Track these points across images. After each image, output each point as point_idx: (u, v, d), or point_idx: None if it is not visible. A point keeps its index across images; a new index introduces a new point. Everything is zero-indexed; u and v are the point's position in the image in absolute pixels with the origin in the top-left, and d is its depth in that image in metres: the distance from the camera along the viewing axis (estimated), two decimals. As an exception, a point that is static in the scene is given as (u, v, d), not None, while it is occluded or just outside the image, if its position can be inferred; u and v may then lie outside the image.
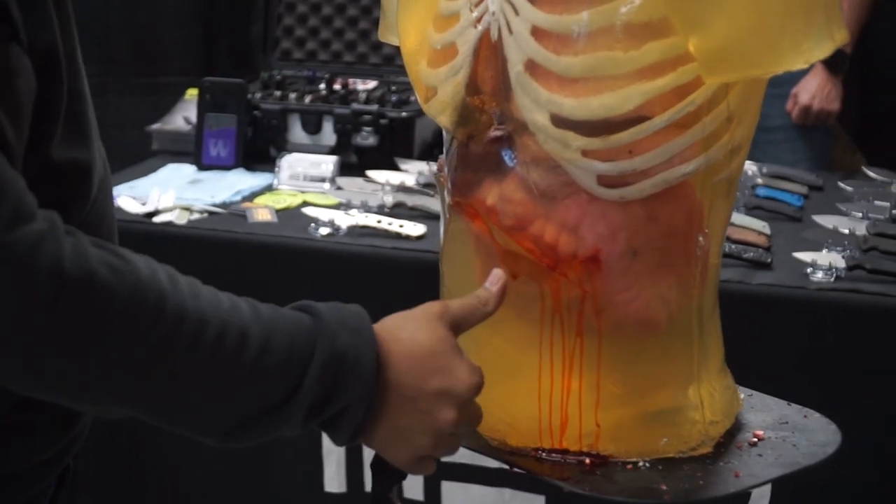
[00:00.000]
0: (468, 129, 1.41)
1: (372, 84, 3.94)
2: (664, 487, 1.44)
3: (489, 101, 1.38)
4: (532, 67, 1.31)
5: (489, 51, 1.36)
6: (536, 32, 1.30)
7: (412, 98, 3.35)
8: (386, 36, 1.60)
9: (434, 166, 2.52)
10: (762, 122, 3.42)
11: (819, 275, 2.42)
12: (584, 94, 1.26)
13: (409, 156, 3.39)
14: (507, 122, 1.35)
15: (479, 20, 1.37)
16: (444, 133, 1.49)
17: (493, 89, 1.37)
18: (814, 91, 3.48)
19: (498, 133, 1.36)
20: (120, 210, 2.82)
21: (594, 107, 1.28)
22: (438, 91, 1.44)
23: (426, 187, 3.01)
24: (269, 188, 3.23)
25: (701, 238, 1.40)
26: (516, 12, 1.31)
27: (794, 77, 3.40)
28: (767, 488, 2.41)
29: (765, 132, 3.42)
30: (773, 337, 2.27)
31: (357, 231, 2.64)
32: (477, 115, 1.38)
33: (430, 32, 1.45)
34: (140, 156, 3.71)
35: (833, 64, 3.47)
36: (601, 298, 1.39)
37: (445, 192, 1.45)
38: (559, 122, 1.30)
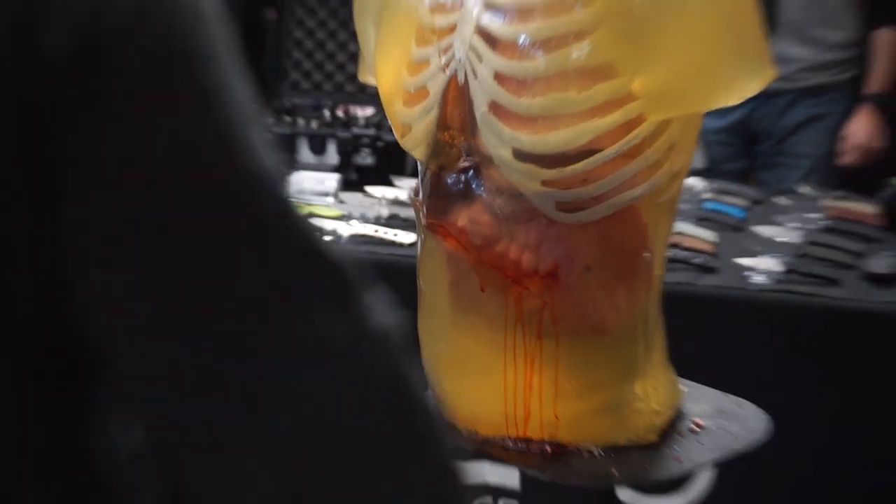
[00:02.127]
0: (439, 161, 1.41)
1: (370, 111, 4.17)
2: (615, 472, 1.46)
3: (458, 137, 1.38)
4: (495, 108, 1.31)
5: (457, 92, 1.36)
6: (499, 77, 1.30)
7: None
8: (365, 77, 1.61)
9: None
10: (791, 149, 3.40)
11: (758, 278, 2.41)
12: (543, 131, 1.27)
13: (403, 174, 3.34)
14: (474, 155, 1.35)
15: (447, 66, 1.37)
16: (418, 164, 1.49)
17: (461, 126, 1.37)
18: (861, 134, 3.39)
19: (466, 164, 1.37)
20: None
21: (551, 142, 1.28)
22: (413, 128, 1.44)
23: (416, 201, 3.01)
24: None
25: (646, 254, 1.41)
26: (480, 59, 1.31)
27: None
28: (708, 471, 2.41)
29: (801, 159, 3.43)
30: (716, 333, 2.26)
31: (357, 239, 2.64)
32: (447, 149, 1.38)
33: (404, 76, 1.45)
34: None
35: (882, 103, 3.39)
36: (558, 308, 1.39)
37: (420, 215, 1.45)
38: (521, 156, 1.31)
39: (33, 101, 0.64)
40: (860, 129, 3.38)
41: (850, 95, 3.42)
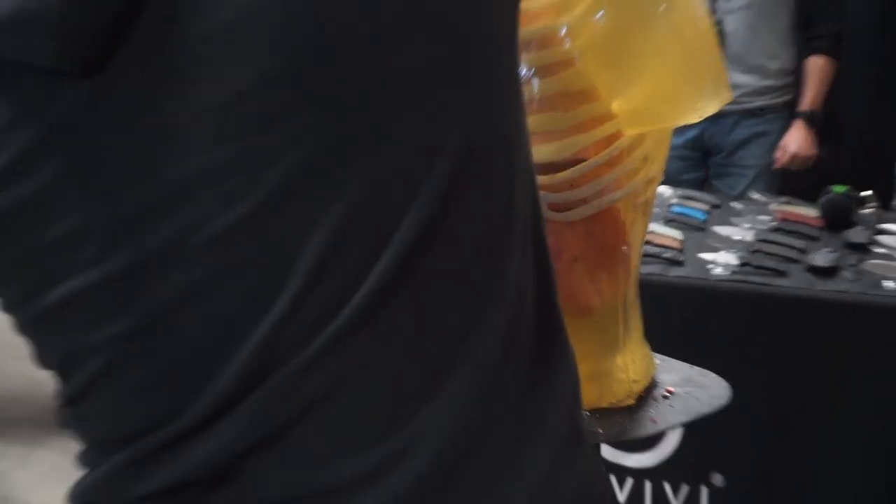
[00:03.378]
0: None
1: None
2: (600, 430, 1.48)
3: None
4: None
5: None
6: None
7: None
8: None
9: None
10: (738, 161, 3.43)
11: (717, 270, 2.46)
12: (537, 143, 1.22)
13: None
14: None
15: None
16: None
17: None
18: (796, 146, 3.45)
19: None
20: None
21: (543, 153, 1.30)
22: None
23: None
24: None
25: (624, 248, 1.43)
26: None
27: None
28: (678, 430, 2.45)
29: (748, 169, 3.48)
30: (683, 316, 2.30)
31: None
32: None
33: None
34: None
35: (811, 119, 3.45)
36: None
37: None
38: None
39: None
40: (793, 141, 3.44)
41: (786, 115, 3.47)
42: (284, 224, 0.74)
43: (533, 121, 1.31)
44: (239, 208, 0.73)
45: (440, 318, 0.79)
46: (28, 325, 0.84)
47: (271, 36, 0.72)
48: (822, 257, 2.49)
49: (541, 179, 1.32)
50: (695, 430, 2.39)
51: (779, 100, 3.47)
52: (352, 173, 0.74)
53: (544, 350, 0.87)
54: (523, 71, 1.30)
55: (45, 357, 0.87)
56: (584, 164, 1.33)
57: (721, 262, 2.51)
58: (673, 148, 3.50)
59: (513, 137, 0.83)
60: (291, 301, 0.75)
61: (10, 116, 0.77)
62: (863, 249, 2.60)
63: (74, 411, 0.87)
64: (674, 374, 1.62)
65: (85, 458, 0.89)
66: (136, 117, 0.74)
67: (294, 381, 0.76)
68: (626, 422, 1.50)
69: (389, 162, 0.75)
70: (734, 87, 3.33)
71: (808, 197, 2.91)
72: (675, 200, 2.89)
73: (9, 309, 0.85)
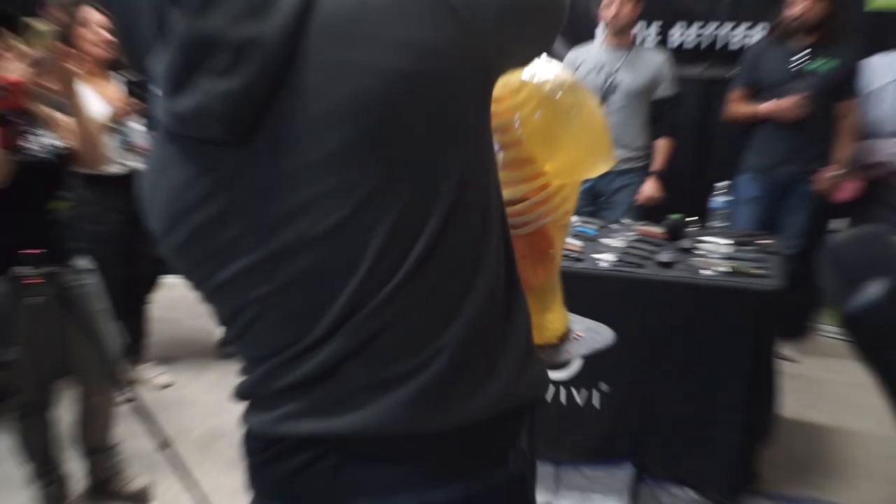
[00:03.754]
0: None
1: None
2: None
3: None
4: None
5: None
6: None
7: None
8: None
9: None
10: (616, 200, 3.42)
11: (603, 264, 2.46)
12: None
13: None
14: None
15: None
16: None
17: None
18: (649, 191, 3.43)
19: None
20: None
21: (505, 195, 1.23)
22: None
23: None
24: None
25: (552, 251, 1.41)
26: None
27: None
28: (580, 360, 2.46)
29: (621, 205, 3.46)
30: (582, 293, 2.30)
31: None
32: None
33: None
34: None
35: (658, 176, 3.43)
36: None
37: None
38: None
39: None
40: (648, 188, 3.46)
41: (644, 173, 3.48)
42: (361, 225, 0.78)
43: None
44: (333, 218, 0.78)
45: (452, 280, 0.82)
46: (209, 294, 0.87)
47: (348, 120, 0.76)
48: (664, 256, 2.50)
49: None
50: (590, 359, 2.42)
51: (639, 164, 3.48)
52: (397, 196, 0.78)
53: (510, 298, 0.90)
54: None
55: (219, 313, 0.89)
56: (528, 201, 1.32)
57: (605, 259, 2.51)
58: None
59: (488, 172, 0.87)
60: (366, 270, 0.79)
61: (197, 170, 0.81)
62: (689, 252, 2.60)
63: (236, 344, 0.90)
64: (580, 324, 1.61)
65: (243, 371, 0.92)
66: (269, 167, 0.78)
67: (370, 316, 0.80)
68: (553, 353, 1.48)
69: (419, 188, 0.79)
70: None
71: (656, 221, 2.92)
72: (578, 223, 2.89)
73: (196, 286, 0.87)
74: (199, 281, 0.85)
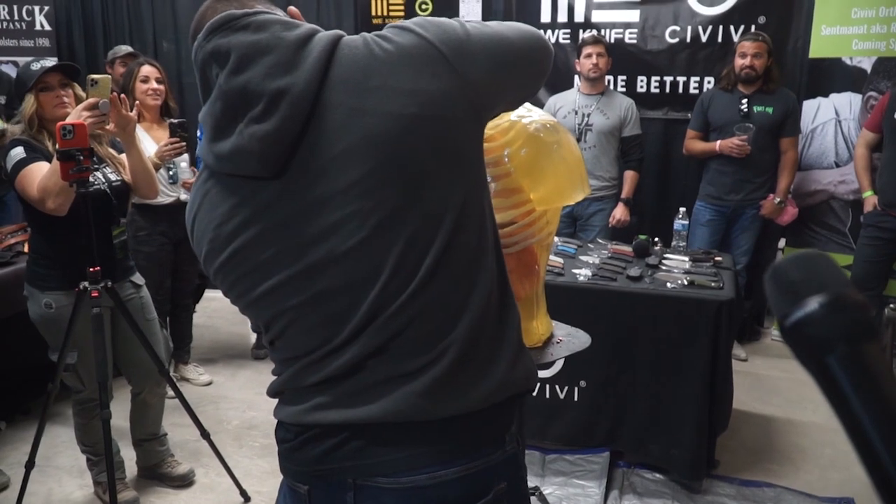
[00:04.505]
0: None
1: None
2: None
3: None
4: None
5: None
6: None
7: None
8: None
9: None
10: (591, 223, 3.40)
11: (581, 278, 2.45)
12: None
13: None
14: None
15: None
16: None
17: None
18: (620, 215, 3.42)
19: None
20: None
21: (497, 219, 1.28)
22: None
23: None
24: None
25: (537, 266, 1.41)
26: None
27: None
28: (563, 359, 2.44)
29: (596, 227, 3.44)
30: (563, 303, 2.29)
31: None
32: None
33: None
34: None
35: (626, 202, 3.40)
36: None
37: None
38: None
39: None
40: (618, 213, 3.44)
41: (615, 200, 3.48)
42: (380, 243, 0.79)
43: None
44: (357, 237, 0.79)
45: (457, 286, 0.82)
46: (248, 305, 0.87)
47: (364, 155, 0.77)
48: (634, 271, 2.48)
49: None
50: (570, 359, 2.40)
51: (611, 192, 3.49)
52: (411, 215, 0.79)
53: (503, 303, 0.90)
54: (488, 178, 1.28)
55: (256, 321, 0.90)
56: (516, 224, 1.32)
57: (583, 274, 2.49)
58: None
59: (482, 196, 0.87)
60: (386, 279, 0.80)
61: (236, 201, 0.82)
62: (655, 268, 2.59)
63: (271, 347, 0.89)
64: (561, 330, 1.60)
65: (276, 371, 0.93)
66: (299, 196, 0.79)
67: (389, 320, 0.80)
68: (537, 355, 1.47)
69: (427, 211, 0.80)
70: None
71: (627, 241, 2.91)
72: (559, 242, 2.88)
73: (235, 299, 0.87)
74: (240, 294, 0.86)
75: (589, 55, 3.35)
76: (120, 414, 2.42)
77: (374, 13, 4.14)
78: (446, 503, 0.82)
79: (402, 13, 4.11)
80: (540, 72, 0.89)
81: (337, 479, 0.84)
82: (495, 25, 0.84)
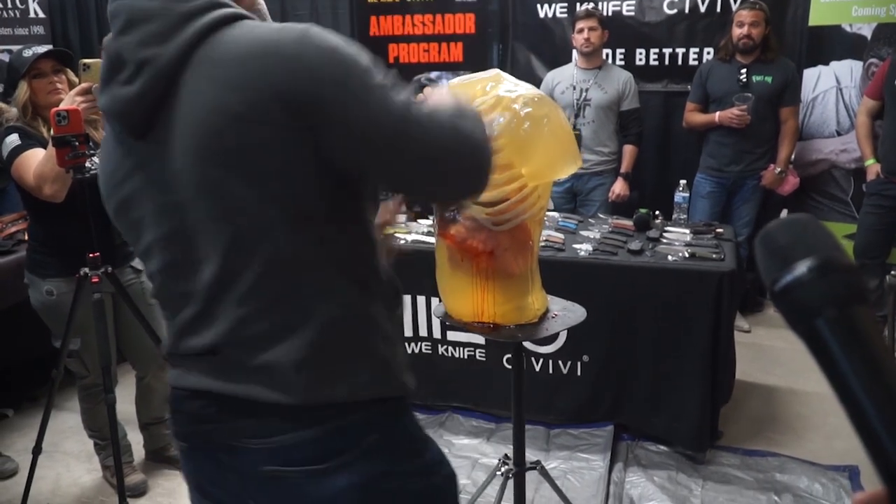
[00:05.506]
0: (442, 209, 1.39)
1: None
2: (520, 334, 1.46)
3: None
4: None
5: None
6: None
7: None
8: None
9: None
10: (591, 198, 3.37)
11: (582, 252, 2.44)
12: (489, 190, 1.25)
13: (430, 211, 3.25)
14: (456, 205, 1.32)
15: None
16: (433, 207, 1.46)
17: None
18: (619, 190, 3.40)
19: (453, 208, 1.35)
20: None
21: (491, 196, 1.27)
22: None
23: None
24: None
25: (530, 242, 1.41)
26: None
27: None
28: (563, 333, 2.45)
29: (596, 202, 3.42)
30: (565, 277, 2.29)
31: (416, 240, 2.63)
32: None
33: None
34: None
35: (626, 177, 3.41)
36: (493, 264, 1.39)
37: (436, 228, 1.42)
38: (476, 203, 1.30)
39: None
40: (618, 187, 3.42)
41: (614, 175, 3.46)
42: (213, 228, 0.81)
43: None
44: (203, 206, 0.80)
45: (299, 288, 0.82)
46: (140, 258, 0.91)
47: (198, 139, 0.78)
48: (635, 245, 2.48)
49: (487, 209, 1.32)
50: (573, 334, 2.42)
51: (610, 167, 3.46)
52: (239, 208, 0.79)
53: (363, 322, 0.87)
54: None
55: (146, 270, 0.92)
56: (508, 202, 1.31)
57: (584, 249, 2.48)
58: (558, 193, 3.51)
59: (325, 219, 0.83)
60: (221, 263, 0.81)
61: (122, 153, 0.86)
62: (656, 241, 2.58)
63: (156, 303, 0.94)
64: (557, 304, 1.60)
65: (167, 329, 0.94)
66: (157, 165, 0.82)
67: (236, 304, 0.82)
68: (534, 330, 1.48)
69: (254, 207, 0.79)
70: (586, 161, 3.35)
71: (627, 215, 2.89)
72: (560, 218, 2.87)
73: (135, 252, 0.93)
74: (132, 244, 0.90)
75: (581, 30, 3.31)
76: (126, 398, 2.44)
77: (369, -5, 4.07)
78: (313, 458, 0.82)
79: (397, -7, 4.04)
80: (468, 173, 0.89)
81: (210, 438, 0.87)
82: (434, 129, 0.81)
